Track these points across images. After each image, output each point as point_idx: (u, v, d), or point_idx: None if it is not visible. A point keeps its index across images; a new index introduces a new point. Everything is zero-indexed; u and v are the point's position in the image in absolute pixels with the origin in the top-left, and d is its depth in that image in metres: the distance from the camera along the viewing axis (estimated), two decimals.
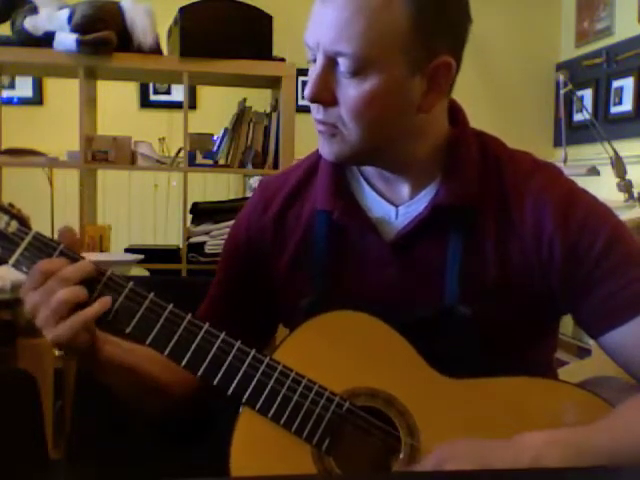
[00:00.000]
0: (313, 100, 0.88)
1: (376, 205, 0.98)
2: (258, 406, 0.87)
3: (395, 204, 0.97)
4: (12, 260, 0.89)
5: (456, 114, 0.98)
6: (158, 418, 1.08)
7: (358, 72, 0.85)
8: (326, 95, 0.88)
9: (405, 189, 0.97)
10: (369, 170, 0.99)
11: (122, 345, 0.94)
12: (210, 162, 2.81)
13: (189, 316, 0.89)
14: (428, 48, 0.86)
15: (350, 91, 0.86)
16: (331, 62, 0.86)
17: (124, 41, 2.51)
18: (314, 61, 0.89)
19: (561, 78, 3.31)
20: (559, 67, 4.04)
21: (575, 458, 0.78)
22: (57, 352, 2.24)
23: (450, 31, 0.88)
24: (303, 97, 0.91)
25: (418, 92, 0.88)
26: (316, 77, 0.87)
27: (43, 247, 0.89)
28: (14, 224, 0.89)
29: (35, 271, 0.86)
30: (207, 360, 0.88)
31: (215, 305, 1.08)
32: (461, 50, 0.91)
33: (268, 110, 2.84)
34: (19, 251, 0.89)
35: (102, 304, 0.87)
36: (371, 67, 0.84)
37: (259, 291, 1.05)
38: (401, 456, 0.86)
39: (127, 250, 2.84)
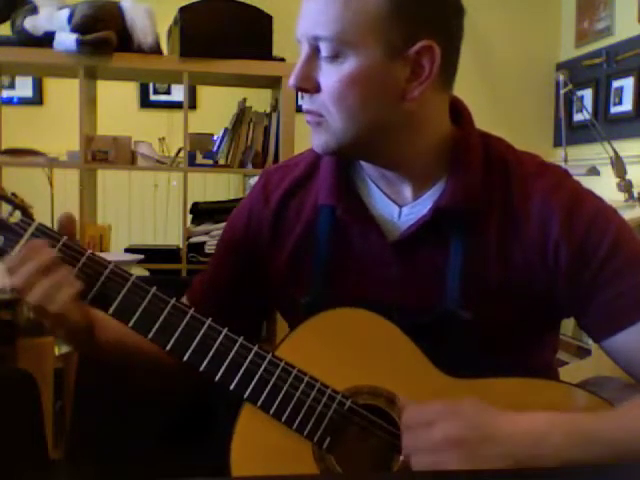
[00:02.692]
0: (296, 86, 0.90)
1: (380, 204, 0.98)
2: (260, 402, 0.87)
3: (399, 204, 0.97)
4: (15, 251, 0.89)
5: (460, 114, 0.97)
6: (164, 389, 1.11)
7: (337, 55, 0.86)
8: (309, 82, 0.89)
9: (408, 190, 0.96)
10: (372, 171, 0.98)
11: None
12: (210, 162, 2.81)
13: (191, 311, 0.90)
14: (407, 32, 0.86)
15: (331, 76, 0.87)
16: (314, 50, 0.88)
17: (124, 41, 2.51)
18: None
19: (561, 78, 3.31)
20: (559, 67, 4.04)
21: (580, 442, 0.78)
22: (57, 352, 2.24)
23: (431, 16, 0.87)
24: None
25: (401, 78, 0.87)
26: (299, 65, 0.89)
27: (46, 239, 0.89)
28: (17, 214, 0.90)
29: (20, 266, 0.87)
30: (209, 356, 0.88)
31: (209, 288, 1.08)
32: (450, 38, 0.90)
33: (268, 110, 2.84)
34: (22, 242, 0.89)
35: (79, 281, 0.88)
36: (349, 50, 0.85)
37: (253, 280, 1.05)
38: (402, 456, 0.86)
39: (127, 250, 2.84)
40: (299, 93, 0.92)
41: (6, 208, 0.90)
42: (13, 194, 0.92)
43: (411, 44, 0.86)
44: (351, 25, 0.84)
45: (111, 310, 0.89)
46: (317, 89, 0.89)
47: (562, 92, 3.34)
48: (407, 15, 0.85)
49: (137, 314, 0.89)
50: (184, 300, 1.09)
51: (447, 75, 0.91)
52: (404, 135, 0.92)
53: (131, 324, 0.89)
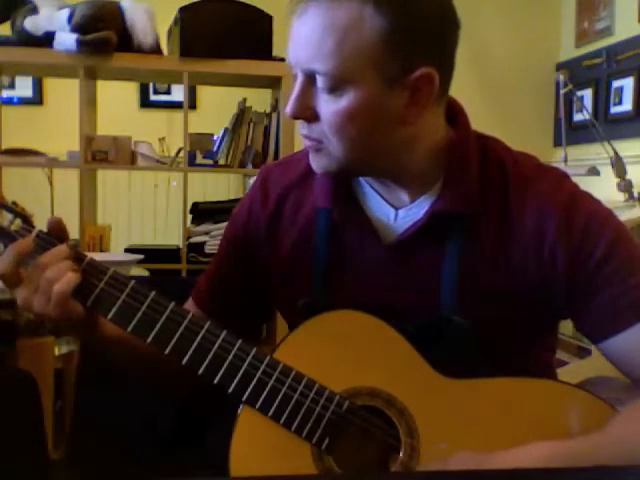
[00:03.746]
0: (294, 117, 0.89)
1: (376, 206, 0.98)
2: (258, 405, 0.87)
3: (395, 207, 0.97)
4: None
5: (456, 116, 0.97)
6: (165, 384, 1.11)
7: (335, 89, 0.85)
8: (307, 112, 0.88)
9: (405, 194, 0.96)
10: (368, 177, 0.99)
11: None
12: (210, 162, 2.81)
13: (190, 315, 0.90)
14: (404, 62, 0.85)
15: (329, 107, 0.86)
16: (309, 79, 0.87)
17: (124, 41, 2.51)
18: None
19: (561, 78, 3.30)
20: (559, 67, 4.04)
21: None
22: (57, 352, 2.24)
23: (428, 43, 0.86)
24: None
25: (399, 105, 0.87)
26: (295, 95, 0.88)
27: (46, 245, 0.89)
28: (18, 222, 0.90)
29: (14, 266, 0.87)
30: (208, 359, 0.88)
31: (211, 287, 1.09)
32: (447, 58, 0.89)
33: (268, 110, 2.84)
34: None
35: (73, 276, 0.88)
36: (347, 83, 0.84)
37: (253, 278, 1.05)
38: (400, 456, 0.86)
39: (127, 250, 2.84)
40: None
41: (7, 217, 0.91)
42: (14, 203, 0.93)
43: (409, 73, 0.85)
44: (348, 60, 0.83)
45: (110, 316, 0.89)
46: (315, 118, 0.88)
47: (562, 92, 3.34)
48: (404, 45, 0.84)
49: (135, 319, 0.89)
50: (190, 299, 1.10)
51: (444, 90, 0.91)
52: (402, 151, 0.92)
53: (129, 329, 0.89)
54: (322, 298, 0.96)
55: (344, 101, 0.85)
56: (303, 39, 0.86)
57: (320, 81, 0.86)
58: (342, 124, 0.86)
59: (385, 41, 0.83)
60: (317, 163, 0.93)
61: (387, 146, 0.91)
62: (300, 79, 0.88)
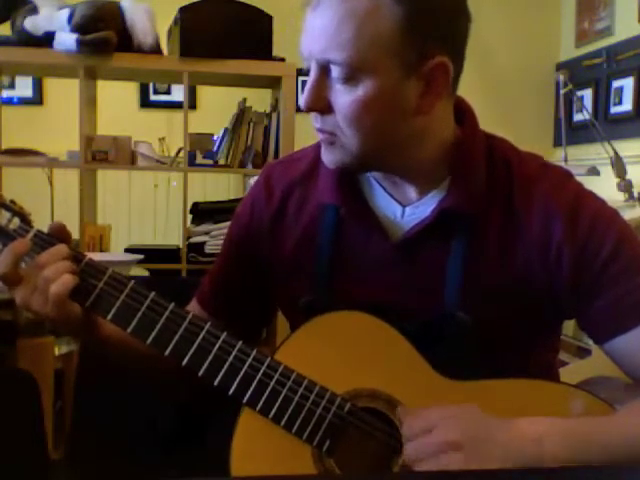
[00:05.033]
0: (308, 109, 0.88)
1: (383, 203, 0.98)
2: (259, 407, 0.87)
3: (402, 204, 0.97)
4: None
5: (464, 114, 0.97)
6: (165, 384, 1.12)
7: (350, 78, 0.84)
8: (321, 103, 0.88)
9: (412, 191, 0.96)
10: (376, 173, 0.98)
11: None
12: (210, 162, 2.81)
13: (190, 315, 0.90)
14: (421, 51, 0.85)
15: (344, 98, 0.86)
16: (324, 70, 0.86)
17: (124, 41, 2.51)
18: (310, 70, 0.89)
19: (561, 78, 3.31)
20: (559, 67, 4.04)
21: (577, 446, 0.79)
22: (57, 351, 2.24)
23: (444, 32, 0.86)
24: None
25: (414, 94, 0.87)
26: (310, 86, 0.87)
27: (44, 245, 0.89)
28: (16, 221, 0.90)
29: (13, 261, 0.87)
30: (208, 360, 0.88)
31: (214, 286, 1.09)
32: (460, 49, 0.90)
33: (268, 110, 2.84)
34: None
35: (70, 278, 0.88)
36: (363, 73, 0.84)
37: (256, 277, 1.05)
38: (402, 458, 0.86)
39: (127, 250, 2.84)
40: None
41: (5, 215, 0.90)
42: (12, 201, 0.92)
43: (425, 61, 0.85)
44: (365, 49, 0.83)
45: (109, 317, 0.89)
46: (329, 109, 0.88)
47: (562, 92, 3.34)
48: (420, 33, 0.84)
49: (135, 320, 0.89)
50: (194, 300, 1.10)
51: (455, 82, 0.91)
52: (414, 145, 0.92)
53: (129, 330, 0.89)
54: (324, 296, 0.96)
55: (360, 91, 0.85)
56: (318, 30, 0.85)
57: (335, 71, 0.85)
58: (357, 115, 0.86)
59: (402, 29, 0.83)
60: (330, 157, 0.92)
61: (399, 138, 0.90)
62: (314, 70, 0.87)
